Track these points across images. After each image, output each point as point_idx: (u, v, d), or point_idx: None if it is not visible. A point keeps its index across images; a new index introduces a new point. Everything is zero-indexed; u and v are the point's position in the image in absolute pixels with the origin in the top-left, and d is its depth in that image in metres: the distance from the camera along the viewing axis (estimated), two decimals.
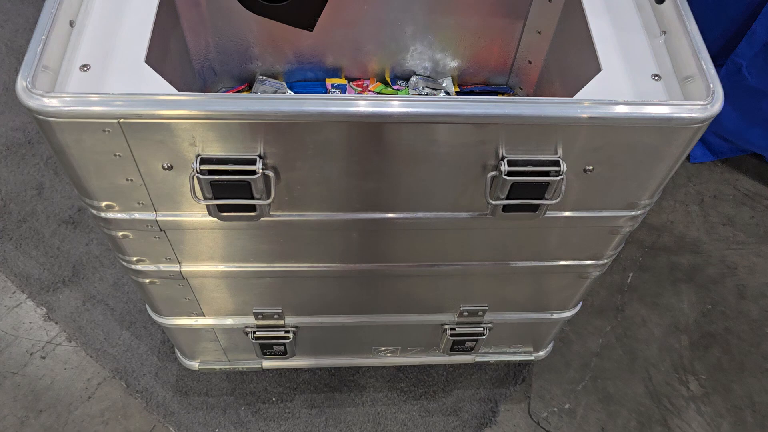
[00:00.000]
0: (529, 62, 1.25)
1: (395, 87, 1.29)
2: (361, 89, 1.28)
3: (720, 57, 1.81)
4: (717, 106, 0.78)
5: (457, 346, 1.26)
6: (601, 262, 1.08)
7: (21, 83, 0.73)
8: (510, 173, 0.81)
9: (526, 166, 0.81)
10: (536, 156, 0.81)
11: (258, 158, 0.78)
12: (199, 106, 0.73)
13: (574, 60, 1.05)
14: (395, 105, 0.74)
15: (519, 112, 0.76)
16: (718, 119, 1.86)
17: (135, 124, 0.74)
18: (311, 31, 1.13)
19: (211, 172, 0.78)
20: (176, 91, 0.79)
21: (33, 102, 0.72)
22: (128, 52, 0.84)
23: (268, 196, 0.82)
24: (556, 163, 0.81)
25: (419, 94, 1.28)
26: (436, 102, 0.75)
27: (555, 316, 1.24)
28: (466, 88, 1.32)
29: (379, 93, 1.27)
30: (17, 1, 2.12)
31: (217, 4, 1.11)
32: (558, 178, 0.81)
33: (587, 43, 0.94)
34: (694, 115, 0.77)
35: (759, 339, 1.68)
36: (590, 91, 0.86)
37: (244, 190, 0.80)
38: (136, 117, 0.73)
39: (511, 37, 1.23)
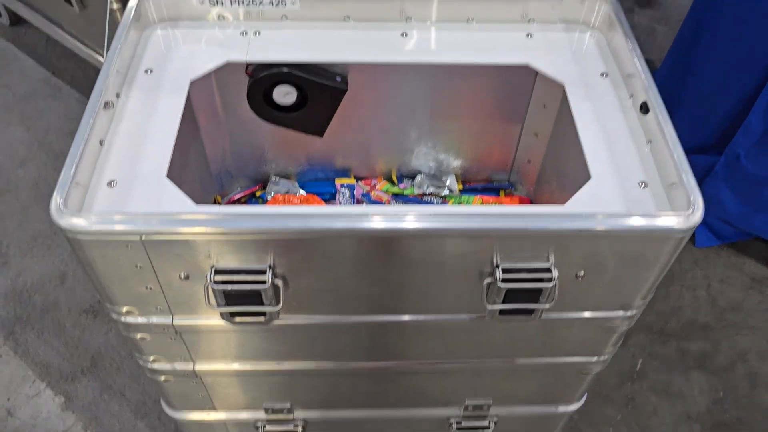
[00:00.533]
0: (528, 162, 1.32)
1: (401, 185, 1.35)
2: (369, 188, 1.35)
3: (719, 144, 1.88)
4: (697, 216, 0.83)
5: None
6: (601, 358, 1.11)
7: (54, 203, 0.80)
8: (504, 280, 0.85)
9: (519, 273, 0.86)
10: (529, 264, 0.86)
11: (268, 268, 0.84)
12: (214, 224, 0.79)
13: (568, 162, 1.12)
14: (393, 220, 0.80)
15: (512, 225, 0.81)
16: (721, 205, 1.91)
17: (155, 241, 0.80)
18: (321, 137, 1.22)
19: (224, 282, 0.84)
20: (194, 206, 0.86)
21: (63, 221, 0.79)
22: (151, 167, 0.92)
23: (278, 303, 0.87)
24: (548, 270, 0.86)
25: (424, 194, 1.34)
26: (433, 217, 0.81)
27: (561, 409, 1.26)
28: (469, 185, 1.38)
29: (385, 191, 1.34)
30: (50, 99, 2.26)
31: (234, 114, 1.20)
32: (550, 284, 0.86)
33: (579, 149, 1.00)
34: (675, 226, 0.82)
35: None
36: (580, 199, 0.91)
37: (255, 297, 0.86)
38: (157, 234, 0.79)
39: (510, 139, 1.30)
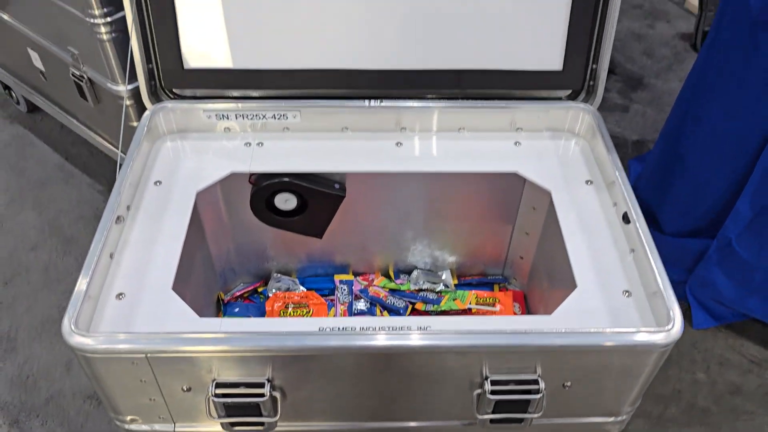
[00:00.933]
0: (521, 258, 1.36)
1: (398, 281, 1.40)
2: (367, 283, 1.39)
3: (712, 228, 1.92)
4: (676, 329, 0.87)
5: None
6: None
7: (66, 322, 0.85)
8: (494, 392, 0.89)
9: (508, 385, 0.89)
10: (518, 375, 0.90)
11: (267, 382, 0.88)
12: (215, 343, 0.84)
13: (556, 262, 1.16)
14: (382, 339, 0.85)
15: (499, 342, 0.86)
16: (716, 288, 1.94)
17: (159, 358, 0.85)
18: (320, 238, 1.27)
19: (224, 394, 0.87)
20: (197, 320, 0.91)
21: (73, 340, 0.83)
22: (158, 280, 0.97)
23: (276, 414, 0.91)
24: (536, 382, 0.89)
25: (420, 289, 1.39)
26: (424, 335, 0.85)
27: None
28: (464, 279, 1.43)
29: (383, 287, 1.38)
30: (63, 184, 2.34)
31: (238, 217, 1.26)
32: (538, 396, 0.89)
33: (566, 254, 1.04)
34: (656, 341, 0.86)
35: None
36: (566, 309, 0.96)
37: (254, 409, 0.89)
38: (161, 353, 0.84)
39: (502, 237, 1.35)
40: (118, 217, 1.02)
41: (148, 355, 0.84)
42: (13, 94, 2.48)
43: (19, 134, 2.53)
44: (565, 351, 0.87)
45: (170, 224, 1.05)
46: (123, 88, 1.55)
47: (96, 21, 1.40)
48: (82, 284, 0.89)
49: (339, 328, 0.90)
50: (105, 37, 1.45)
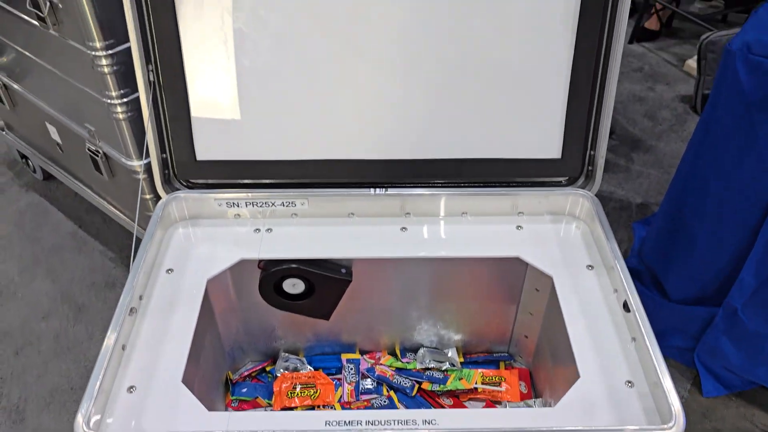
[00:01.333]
0: (526, 336, 1.38)
1: (404, 359, 1.42)
2: (373, 362, 1.41)
3: (717, 296, 1.92)
4: (678, 427, 0.87)
5: None
6: None
7: (79, 419, 0.87)
8: None
9: None
10: None
11: None
12: None
13: (559, 345, 1.17)
14: None
15: None
16: (724, 356, 1.94)
17: None
18: (327, 320, 1.30)
19: None
20: (206, 412, 0.93)
21: None
22: (168, 373, 0.99)
23: None
24: None
25: (426, 368, 1.40)
26: None
27: None
28: (470, 357, 1.44)
29: (389, 366, 1.40)
30: (75, 252, 2.39)
31: (247, 300, 1.29)
32: None
33: (568, 341, 1.06)
34: None
35: None
36: (570, 401, 0.97)
37: None
38: None
39: (507, 317, 1.37)
40: (132, 309, 1.05)
41: None
42: (30, 164, 2.55)
43: (34, 202, 2.60)
44: None
45: (181, 315, 1.08)
46: (137, 164, 1.60)
47: (113, 102, 1.47)
48: (93, 383, 0.91)
49: (345, 422, 0.91)
50: (121, 116, 1.52)
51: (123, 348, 1.02)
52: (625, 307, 1.07)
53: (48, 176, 2.59)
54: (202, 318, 1.11)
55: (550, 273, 1.17)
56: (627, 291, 1.06)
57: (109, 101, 1.47)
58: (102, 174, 1.98)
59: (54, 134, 2.10)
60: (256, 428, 0.89)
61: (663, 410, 0.91)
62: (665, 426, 0.87)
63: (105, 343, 0.97)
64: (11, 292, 2.26)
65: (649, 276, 2.13)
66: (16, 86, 2.05)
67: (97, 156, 1.86)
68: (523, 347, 1.41)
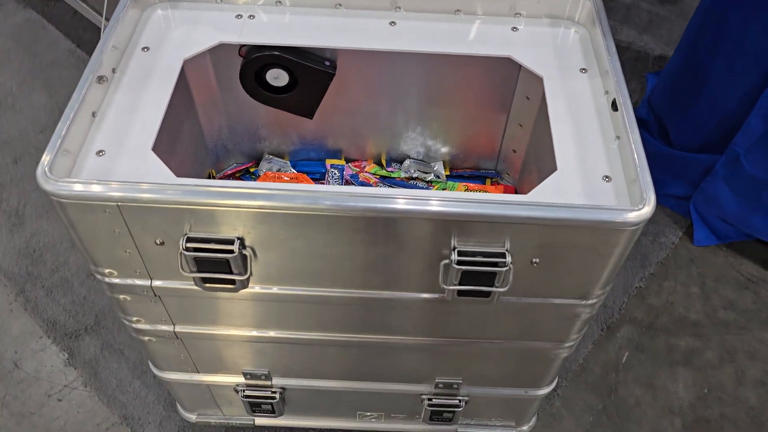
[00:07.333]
0: (514, 151, 1.35)
1: (389, 169, 1.40)
2: (358, 169, 1.40)
3: (721, 144, 1.87)
4: (646, 211, 0.86)
5: (435, 416, 1.33)
6: (566, 344, 1.14)
7: (40, 168, 0.87)
8: (460, 262, 0.90)
9: (475, 256, 0.90)
10: (485, 248, 0.90)
11: (236, 239, 0.89)
12: (183, 195, 0.85)
13: (545, 154, 1.15)
14: (351, 200, 0.85)
15: (468, 211, 0.85)
16: (720, 204, 1.92)
17: (130, 207, 0.86)
18: (311, 119, 1.27)
19: (196, 249, 0.90)
20: (173, 178, 0.92)
21: (48, 186, 0.85)
22: (139, 140, 0.98)
23: (246, 272, 0.93)
24: (503, 255, 0.90)
25: (411, 178, 1.38)
26: (387, 199, 0.86)
27: (530, 393, 1.30)
28: (456, 172, 1.42)
29: (373, 174, 1.39)
30: (73, 69, 2.35)
31: (229, 92, 1.26)
32: (504, 269, 0.90)
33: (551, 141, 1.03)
34: (625, 219, 0.85)
35: (756, 427, 1.68)
36: (543, 189, 0.95)
37: (224, 266, 0.92)
38: (132, 201, 0.86)
39: (496, 129, 1.33)
40: (101, 77, 1.02)
41: (119, 204, 0.86)
42: None
43: (32, 18, 2.53)
44: (533, 224, 0.87)
45: (155, 88, 1.05)
46: None
47: None
48: (57, 137, 0.90)
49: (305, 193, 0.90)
50: None
51: (93, 115, 1.00)
52: (614, 106, 1.02)
53: None
54: (180, 100, 1.09)
55: (541, 74, 1.11)
56: (618, 90, 1.01)
57: None
58: None
59: None
60: (221, 187, 0.88)
61: (636, 199, 0.89)
62: (635, 207, 0.86)
63: (69, 103, 0.95)
64: (9, 103, 2.25)
65: (656, 125, 2.07)
66: None
67: None
68: (510, 164, 1.38)
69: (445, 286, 0.93)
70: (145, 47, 1.12)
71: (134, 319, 1.11)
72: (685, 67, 1.89)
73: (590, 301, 1.03)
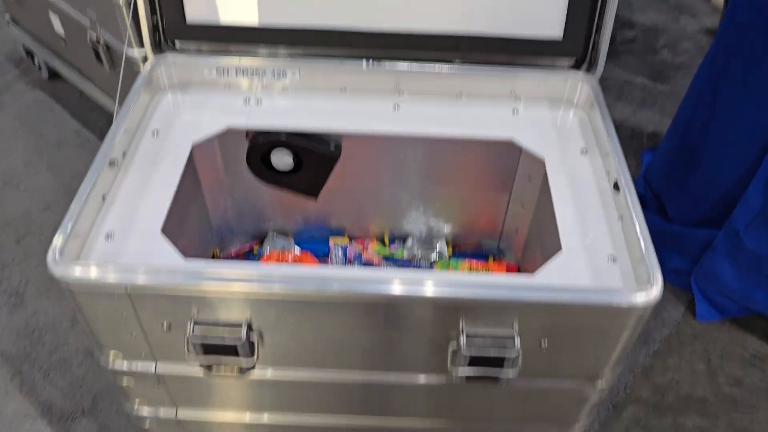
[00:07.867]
0: (516, 230, 1.36)
1: (392, 247, 1.41)
2: (361, 248, 1.40)
3: (720, 219, 1.89)
4: (655, 292, 0.86)
5: None
6: (576, 427, 1.12)
7: (50, 253, 0.87)
8: (468, 345, 0.89)
9: (484, 339, 0.89)
10: (494, 330, 0.90)
11: (244, 324, 0.89)
12: (191, 279, 0.85)
13: (548, 233, 1.16)
14: (359, 284, 0.85)
15: (476, 294, 0.86)
16: (721, 280, 1.92)
17: (139, 293, 0.86)
18: (315, 199, 1.29)
19: (203, 334, 0.89)
20: (182, 261, 0.92)
21: (56, 270, 0.86)
22: (148, 222, 0.99)
23: (252, 355, 0.92)
24: (511, 338, 0.89)
25: (414, 257, 1.39)
26: (401, 282, 0.86)
27: None
28: (459, 250, 1.43)
29: (377, 253, 1.39)
30: (78, 149, 2.39)
31: (235, 174, 1.28)
32: (513, 352, 0.89)
33: (555, 222, 1.04)
34: (634, 302, 0.85)
35: None
36: (549, 270, 0.95)
37: (232, 350, 0.91)
38: (140, 288, 0.86)
39: (499, 208, 1.35)
40: (112, 161, 1.04)
41: (128, 289, 0.86)
42: (36, 60, 2.54)
43: (39, 99, 2.59)
44: (541, 307, 0.87)
45: (165, 172, 1.07)
46: (138, 52, 1.58)
47: None
48: (68, 221, 0.91)
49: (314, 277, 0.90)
50: (121, 1, 1.49)
51: (103, 198, 1.01)
52: (616, 186, 1.04)
53: (53, 75, 2.58)
54: (187, 184, 1.10)
55: (542, 156, 1.14)
56: (619, 170, 1.03)
57: None
58: (103, 65, 1.96)
59: (57, 26, 2.09)
60: (230, 271, 0.89)
61: (643, 280, 0.89)
62: (639, 290, 0.86)
63: (81, 187, 0.96)
64: (15, 183, 2.27)
65: (654, 201, 2.10)
66: None
67: (98, 45, 1.85)
68: (513, 242, 1.39)
69: (454, 371, 0.92)
70: (155, 131, 1.15)
71: (136, 402, 1.09)
72: (680, 144, 1.93)
73: (600, 384, 1.01)
